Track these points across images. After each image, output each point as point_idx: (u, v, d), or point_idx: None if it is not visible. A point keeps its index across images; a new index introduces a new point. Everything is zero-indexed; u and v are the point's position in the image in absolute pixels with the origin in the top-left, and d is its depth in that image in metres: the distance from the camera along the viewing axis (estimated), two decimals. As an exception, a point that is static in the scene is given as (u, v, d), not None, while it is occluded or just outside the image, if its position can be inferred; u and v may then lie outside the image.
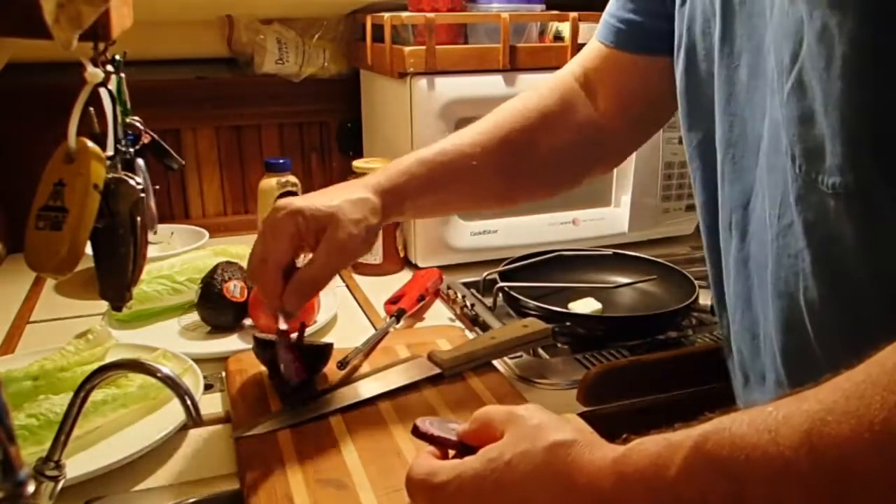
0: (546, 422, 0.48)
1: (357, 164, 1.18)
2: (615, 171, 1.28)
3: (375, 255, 1.18)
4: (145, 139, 0.88)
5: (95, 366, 0.60)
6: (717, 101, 0.62)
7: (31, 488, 0.53)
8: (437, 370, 0.82)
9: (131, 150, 0.83)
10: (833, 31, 0.44)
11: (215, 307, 0.96)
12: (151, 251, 1.18)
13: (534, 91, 0.87)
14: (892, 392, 0.34)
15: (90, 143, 0.57)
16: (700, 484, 0.40)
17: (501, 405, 0.52)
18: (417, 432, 0.56)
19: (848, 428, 0.35)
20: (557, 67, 1.18)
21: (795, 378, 0.56)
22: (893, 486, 0.34)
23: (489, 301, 1.03)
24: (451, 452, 0.54)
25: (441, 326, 0.98)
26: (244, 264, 1.02)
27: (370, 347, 0.88)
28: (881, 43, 0.43)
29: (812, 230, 0.51)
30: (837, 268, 0.50)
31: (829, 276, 0.51)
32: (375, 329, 0.95)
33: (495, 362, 0.86)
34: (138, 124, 0.86)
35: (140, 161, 0.88)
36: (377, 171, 0.80)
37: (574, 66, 0.87)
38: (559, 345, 0.94)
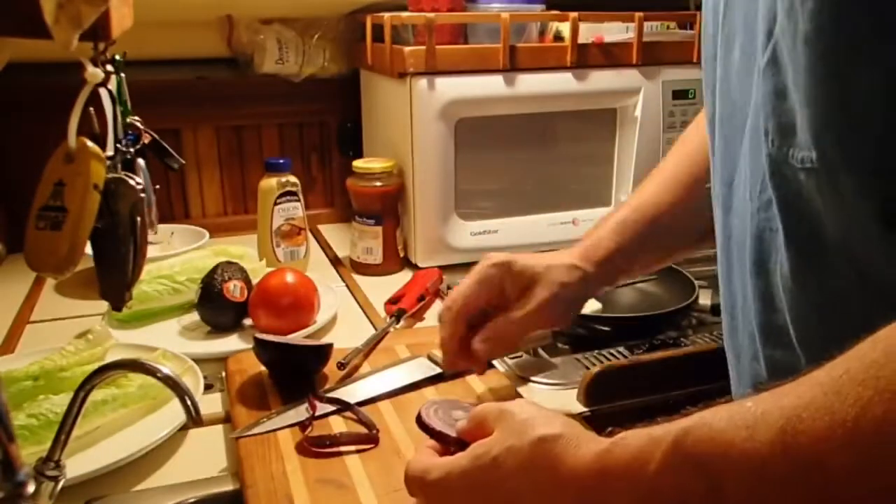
0: (534, 416, 0.48)
1: (357, 164, 1.18)
2: (615, 171, 1.28)
3: (375, 255, 1.18)
4: (145, 139, 0.88)
5: (95, 366, 0.60)
6: (718, 82, 0.62)
7: (31, 488, 0.53)
8: (437, 370, 0.82)
9: (131, 149, 0.83)
10: (797, 7, 0.44)
11: (215, 307, 0.96)
12: (151, 251, 1.18)
13: (693, 126, 0.83)
14: (867, 388, 0.34)
15: (90, 143, 0.57)
16: (679, 481, 0.40)
17: (498, 403, 0.53)
18: (420, 423, 0.57)
19: (822, 425, 0.35)
20: (557, 67, 1.19)
21: (770, 359, 0.56)
22: (868, 483, 0.34)
23: (489, 301, 1.03)
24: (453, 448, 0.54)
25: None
26: (244, 264, 1.02)
27: (370, 347, 0.88)
28: (838, 22, 0.42)
29: (785, 205, 0.51)
30: (810, 244, 0.49)
31: (802, 253, 0.50)
32: (375, 329, 0.95)
33: (495, 362, 0.86)
34: (138, 124, 0.86)
35: (141, 161, 0.88)
36: (584, 239, 0.79)
37: None
38: (559, 345, 0.94)
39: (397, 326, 0.96)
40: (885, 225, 0.42)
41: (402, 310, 0.98)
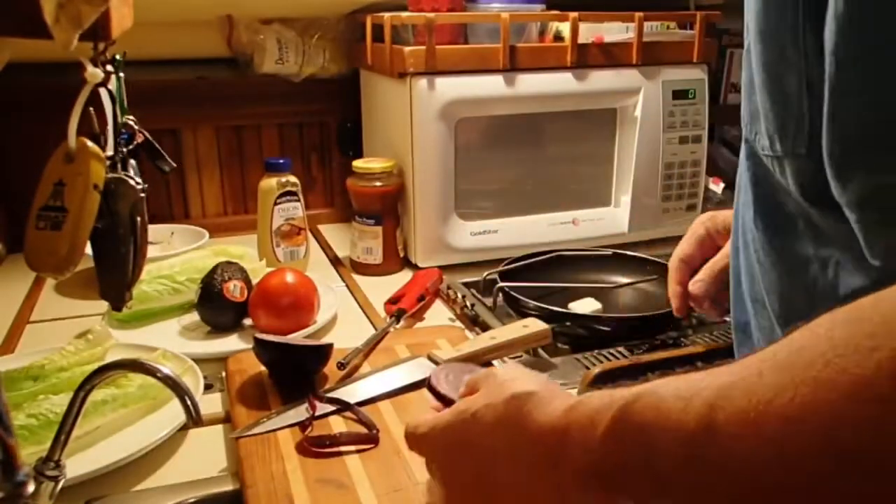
0: (514, 377, 0.49)
1: (357, 164, 1.18)
2: (615, 171, 1.28)
3: (375, 255, 1.18)
4: (139, 139, 0.88)
5: (95, 366, 0.60)
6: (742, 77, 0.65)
7: (31, 488, 0.53)
8: (437, 370, 0.82)
9: (124, 149, 0.83)
10: (750, 6, 0.47)
11: (215, 307, 0.96)
12: (151, 251, 1.18)
13: None
14: (783, 371, 0.32)
15: (90, 143, 0.57)
16: (620, 447, 0.38)
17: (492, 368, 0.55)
18: (429, 385, 0.61)
19: (741, 405, 0.33)
20: (557, 67, 1.19)
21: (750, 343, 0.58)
22: (775, 476, 0.31)
23: (489, 301, 1.03)
24: None
25: (441, 326, 0.98)
26: (244, 264, 1.02)
27: (370, 347, 0.88)
28: (775, 24, 0.44)
29: (756, 187, 0.53)
30: (777, 225, 0.51)
31: (771, 234, 0.52)
32: (375, 329, 0.95)
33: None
34: (132, 123, 0.86)
35: (132, 161, 0.88)
36: None
37: None
38: (559, 345, 0.94)
39: (397, 326, 0.96)
40: (827, 208, 0.42)
41: (402, 310, 0.98)
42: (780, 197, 0.51)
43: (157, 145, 0.70)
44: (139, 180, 0.59)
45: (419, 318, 1.03)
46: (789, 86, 0.44)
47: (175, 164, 0.74)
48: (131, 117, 0.81)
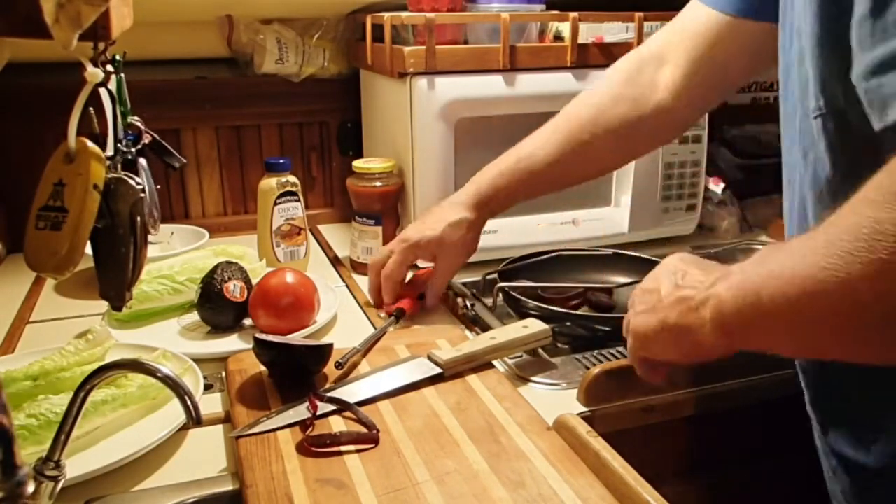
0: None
1: (357, 164, 1.18)
2: (615, 170, 1.28)
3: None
4: (146, 139, 0.88)
5: (95, 366, 0.60)
6: (780, 60, 0.70)
7: (31, 488, 0.53)
8: (437, 370, 0.82)
9: (132, 149, 0.83)
10: None
11: (215, 307, 0.96)
12: (151, 251, 1.18)
13: (601, 82, 0.97)
14: (811, 255, 0.48)
15: (90, 143, 0.57)
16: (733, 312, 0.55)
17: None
18: None
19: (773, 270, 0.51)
20: (557, 67, 1.19)
21: None
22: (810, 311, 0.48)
23: (489, 301, 1.03)
24: None
25: (441, 326, 0.98)
26: (244, 264, 1.02)
27: (368, 346, 0.88)
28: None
29: (807, 153, 0.62)
30: (823, 187, 0.61)
31: (819, 195, 0.62)
32: (375, 329, 0.95)
33: (495, 362, 0.86)
34: (139, 124, 0.86)
35: (143, 161, 0.88)
36: (468, 186, 1.00)
37: (651, 44, 0.94)
38: (559, 345, 0.94)
39: (396, 326, 0.96)
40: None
41: (401, 310, 0.98)
42: (823, 165, 0.60)
43: (165, 143, 0.70)
44: (140, 180, 0.59)
45: (419, 318, 1.03)
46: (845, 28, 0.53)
47: (185, 160, 0.74)
48: (136, 118, 0.81)
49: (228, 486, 0.67)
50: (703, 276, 0.64)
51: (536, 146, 0.95)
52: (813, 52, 0.57)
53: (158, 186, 0.70)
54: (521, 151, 0.96)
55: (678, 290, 0.63)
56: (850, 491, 0.67)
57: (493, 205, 0.98)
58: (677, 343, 0.62)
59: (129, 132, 0.77)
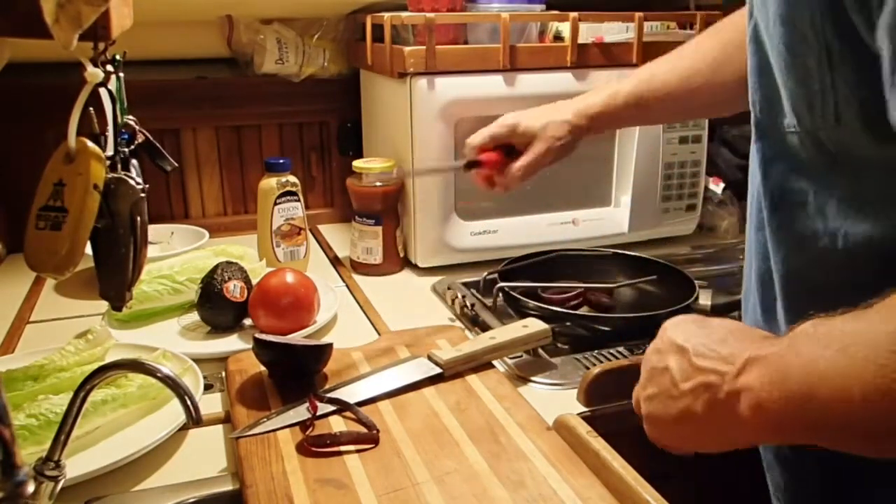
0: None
1: (357, 164, 1.18)
2: (615, 170, 1.28)
3: (375, 255, 1.18)
4: (139, 138, 0.88)
5: (95, 366, 0.60)
6: None
7: (31, 488, 0.53)
8: (437, 370, 0.82)
9: (125, 149, 0.83)
10: None
11: (215, 307, 0.96)
12: (151, 251, 1.18)
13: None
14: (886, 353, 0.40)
15: (90, 143, 0.57)
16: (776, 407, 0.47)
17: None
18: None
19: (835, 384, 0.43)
20: (557, 67, 1.19)
21: (766, 313, 0.64)
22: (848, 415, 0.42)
23: (489, 301, 1.03)
24: None
25: (441, 326, 0.98)
26: (244, 264, 1.02)
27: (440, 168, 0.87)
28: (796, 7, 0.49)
29: (768, 167, 0.59)
30: (792, 200, 0.57)
31: (781, 213, 0.59)
32: (375, 329, 0.95)
33: (495, 362, 0.86)
34: (133, 123, 0.86)
35: (134, 161, 0.88)
36: (585, 94, 0.96)
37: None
38: (559, 345, 0.94)
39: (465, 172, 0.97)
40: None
41: (477, 161, 0.96)
42: (791, 176, 0.55)
43: (157, 145, 0.70)
44: (139, 180, 0.59)
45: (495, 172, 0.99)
46: (811, 64, 0.50)
47: (176, 164, 0.74)
48: (131, 117, 0.81)
49: (228, 487, 0.67)
50: (721, 352, 0.53)
51: (657, 72, 0.91)
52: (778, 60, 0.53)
53: (147, 186, 0.70)
54: (641, 74, 0.92)
55: (698, 373, 0.53)
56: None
57: (602, 120, 0.94)
58: (707, 434, 0.54)
59: (124, 131, 0.77)
